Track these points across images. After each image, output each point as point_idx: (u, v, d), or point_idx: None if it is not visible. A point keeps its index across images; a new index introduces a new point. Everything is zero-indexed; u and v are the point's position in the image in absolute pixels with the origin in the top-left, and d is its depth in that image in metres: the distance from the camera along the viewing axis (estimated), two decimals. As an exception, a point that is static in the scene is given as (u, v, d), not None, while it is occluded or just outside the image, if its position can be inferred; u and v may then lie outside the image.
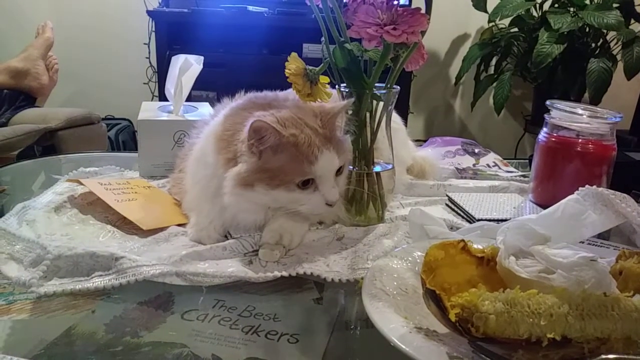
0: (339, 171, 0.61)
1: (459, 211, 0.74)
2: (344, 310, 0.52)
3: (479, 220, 0.68)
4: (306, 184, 0.59)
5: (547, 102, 0.76)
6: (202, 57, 0.88)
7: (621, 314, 0.38)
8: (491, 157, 1.03)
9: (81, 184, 0.72)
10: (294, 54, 0.62)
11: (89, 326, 0.46)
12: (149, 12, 2.37)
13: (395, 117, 0.82)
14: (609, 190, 0.63)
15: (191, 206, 0.67)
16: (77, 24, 2.55)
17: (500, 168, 0.99)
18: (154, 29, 2.42)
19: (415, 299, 0.44)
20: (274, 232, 0.60)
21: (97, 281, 0.51)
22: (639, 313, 0.38)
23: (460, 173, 0.93)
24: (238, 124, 0.61)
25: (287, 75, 0.62)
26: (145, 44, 2.53)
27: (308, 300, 0.53)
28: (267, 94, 0.70)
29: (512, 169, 0.99)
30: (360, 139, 0.65)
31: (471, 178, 0.92)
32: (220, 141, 0.62)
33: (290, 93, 0.65)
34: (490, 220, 0.68)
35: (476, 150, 1.06)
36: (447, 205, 0.77)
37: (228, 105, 0.70)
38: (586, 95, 2.30)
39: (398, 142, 0.76)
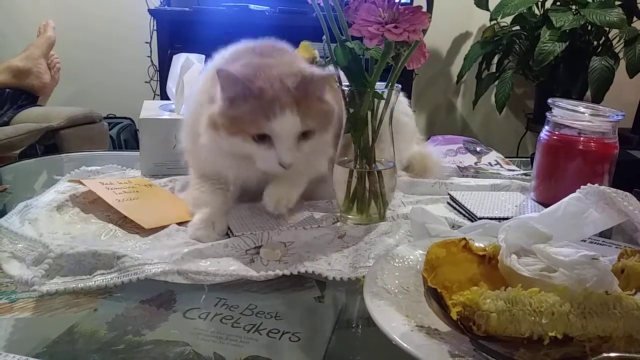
0: (305, 136, 0.62)
1: (460, 209, 0.74)
2: (346, 309, 0.52)
3: (480, 218, 0.68)
4: (262, 138, 0.60)
5: (549, 101, 0.76)
6: (203, 56, 0.88)
7: (623, 313, 0.38)
8: (493, 156, 1.03)
9: (82, 184, 0.72)
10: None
11: (91, 324, 0.46)
12: (150, 11, 2.37)
13: (407, 110, 0.82)
14: (611, 188, 0.62)
15: (196, 203, 0.68)
16: (79, 23, 2.55)
17: (502, 166, 0.98)
18: (155, 28, 2.42)
19: (416, 298, 0.44)
20: (269, 197, 0.64)
21: (99, 279, 0.51)
22: (640, 311, 0.38)
23: (462, 171, 0.93)
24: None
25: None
26: (146, 42, 2.52)
27: (309, 299, 0.53)
28: (263, 45, 0.70)
29: (513, 167, 0.99)
30: (361, 137, 0.65)
31: (473, 176, 0.92)
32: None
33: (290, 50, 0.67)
34: (491, 218, 0.67)
35: (478, 149, 1.06)
36: (448, 203, 0.77)
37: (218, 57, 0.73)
38: (588, 93, 2.29)
39: (403, 137, 0.77)
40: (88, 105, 2.08)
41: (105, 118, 2.13)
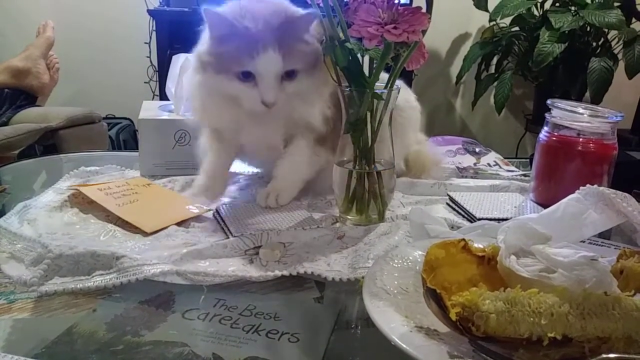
0: (289, 76, 0.63)
1: (459, 210, 0.74)
2: (345, 310, 0.52)
3: (479, 219, 0.68)
4: (246, 76, 0.63)
5: (548, 101, 0.76)
6: (202, 57, 0.88)
7: (622, 314, 0.38)
8: (492, 157, 1.03)
9: (81, 192, 0.71)
10: None
11: (89, 325, 0.46)
12: (149, 11, 2.37)
13: (410, 97, 0.83)
14: (610, 189, 0.62)
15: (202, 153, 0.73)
16: (78, 23, 2.55)
17: (501, 167, 0.98)
18: (154, 28, 2.42)
19: (416, 298, 0.44)
20: (264, 193, 0.69)
21: (98, 280, 0.51)
22: (639, 312, 0.38)
23: (461, 172, 0.93)
24: None
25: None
26: (146, 43, 2.52)
27: (309, 300, 0.53)
28: None
29: (512, 168, 0.99)
30: (360, 138, 0.65)
31: (472, 177, 0.92)
32: None
33: None
34: (491, 219, 0.67)
35: (477, 150, 1.06)
36: (447, 204, 0.77)
37: None
38: (587, 94, 2.30)
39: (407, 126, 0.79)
40: (87, 105, 2.08)
41: (104, 118, 2.13)
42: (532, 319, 0.37)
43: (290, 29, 0.63)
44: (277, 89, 0.63)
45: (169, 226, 0.64)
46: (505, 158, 1.04)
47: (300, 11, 0.64)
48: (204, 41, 0.67)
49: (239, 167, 0.92)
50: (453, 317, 0.37)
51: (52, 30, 2.13)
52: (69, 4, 2.57)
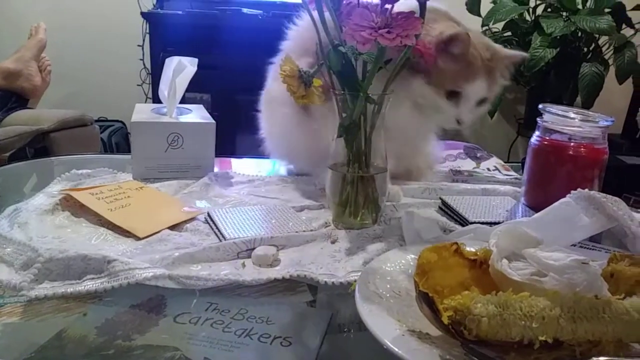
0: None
1: (452, 214, 0.74)
2: (338, 313, 0.51)
3: (472, 223, 0.68)
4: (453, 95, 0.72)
5: (540, 106, 0.76)
6: (196, 60, 0.88)
7: (612, 317, 0.38)
8: (493, 162, 1.03)
9: (72, 197, 0.70)
10: (288, 56, 0.63)
11: (80, 329, 0.46)
12: (143, 14, 2.37)
13: None
14: (601, 193, 0.63)
15: None
16: (71, 25, 2.55)
17: (500, 172, 0.99)
18: (148, 31, 2.42)
19: (408, 302, 0.44)
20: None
21: (89, 284, 0.50)
22: (629, 316, 0.38)
23: (455, 175, 0.93)
24: None
25: (281, 76, 0.62)
26: (139, 45, 2.52)
27: (301, 303, 0.53)
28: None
29: (512, 172, 0.99)
30: (354, 142, 0.65)
31: (464, 181, 0.92)
32: None
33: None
34: (483, 223, 0.68)
35: (478, 155, 1.06)
36: (440, 208, 0.77)
37: None
38: (579, 99, 2.32)
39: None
40: (79, 108, 2.07)
41: (96, 121, 2.13)
42: (523, 322, 0.37)
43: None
44: (474, 112, 0.74)
45: (161, 230, 0.63)
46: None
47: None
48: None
49: (239, 168, 0.92)
50: (445, 320, 0.37)
51: (44, 32, 2.12)
52: (62, 6, 2.56)
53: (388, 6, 0.53)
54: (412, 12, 0.55)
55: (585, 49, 2.41)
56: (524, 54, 0.76)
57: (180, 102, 0.89)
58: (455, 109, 0.72)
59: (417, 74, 0.70)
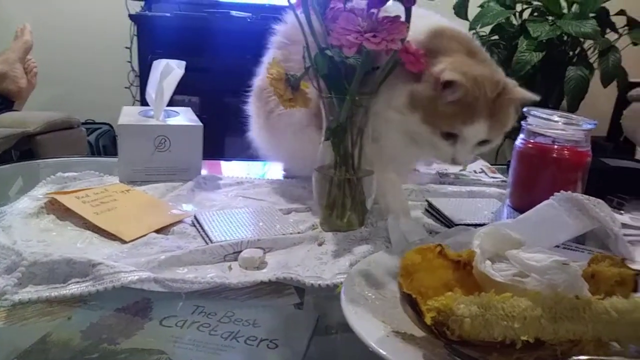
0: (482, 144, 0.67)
1: (438, 216, 0.75)
2: (325, 315, 0.52)
3: (457, 225, 0.69)
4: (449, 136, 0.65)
5: (524, 109, 0.77)
6: (184, 62, 0.88)
7: (592, 317, 0.39)
8: (479, 164, 1.04)
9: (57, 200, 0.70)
10: (275, 59, 0.63)
11: (64, 333, 0.46)
12: (130, 16, 2.36)
13: None
14: (584, 195, 0.64)
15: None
16: (58, 27, 2.52)
17: (486, 174, 1.00)
18: (135, 33, 2.41)
19: (393, 303, 0.45)
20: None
21: (74, 288, 0.50)
22: (609, 315, 0.39)
23: (442, 177, 0.94)
24: None
25: (268, 80, 0.62)
26: (127, 48, 2.51)
27: (288, 306, 0.53)
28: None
29: (498, 175, 1.00)
30: (341, 145, 0.65)
31: (451, 183, 0.93)
32: None
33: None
34: (468, 225, 0.68)
35: (465, 157, 1.06)
36: (426, 210, 0.78)
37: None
38: (564, 102, 2.35)
39: None
40: (66, 110, 2.05)
41: (83, 124, 2.11)
42: (505, 322, 0.37)
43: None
44: (471, 153, 0.67)
45: (148, 233, 0.63)
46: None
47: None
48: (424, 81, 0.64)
49: (228, 171, 0.92)
50: (428, 321, 0.38)
51: (30, 33, 2.10)
52: (49, 8, 2.54)
53: (374, 10, 0.54)
54: (397, 17, 0.55)
55: (571, 53, 2.44)
56: (536, 97, 0.67)
57: (169, 105, 0.89)
58: (451, 149, 0.65)
59: (415, 110, 0.64)
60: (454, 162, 0.66)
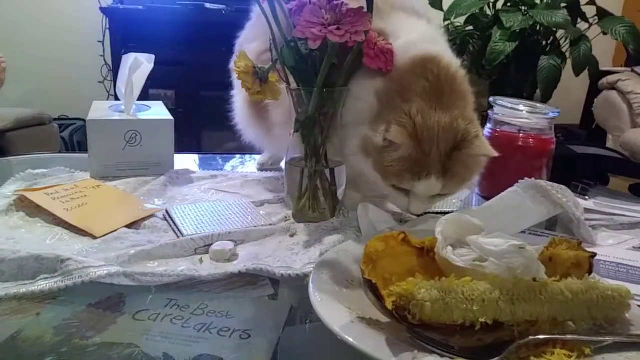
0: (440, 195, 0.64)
1: (408, 205, 0.76)
2: (299, 306, 0.52)
3: (426, 213, 0.70)
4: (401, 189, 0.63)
5: (490, 99, 0.79)
6: (153, 56, 0.87)
7: (548, 298, 0.40)
8: None
9: (27, 198, 0.69)
10: (242, 52, 0.63)
11: (35, 330, 0.45)
12: (102, 10, 2.31)
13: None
14: (547, 182, 0.66)
15: None
16: (27, 21, 2.47)
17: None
18: (108, 27, 2.37)
19: (360, 291, 0.46)
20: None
21: (42, 284, 0.50)
22: (564, 296, 0.41)
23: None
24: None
25: (236, 73, 0.62)
26: (99, 41, 2.46)
27: (263, 297, 0.53)
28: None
29: None
30: (311, 136, 0.66)
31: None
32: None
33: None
34: (437, 213, 0.70)
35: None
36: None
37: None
38: (538, 91, 2.39)
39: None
40: (39, 106, 2.02)
41: (57, 119, 2.07)
42: (465, 305, 0.39)
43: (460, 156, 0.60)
44: (427, 204, 0.63)
45: (119, 229, 0.63)
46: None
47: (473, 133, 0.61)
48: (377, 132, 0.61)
49: (202, 165, 0.92)
50: (389, 306, 0.39)
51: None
52: (16, 1, 2.47)
53: (337, 2, 0.54)
54: (361, 8, 0.56)
55: (544, 43, 2.48)
56: (495, 153, 0.62)
57: (144, 99, 0.88)
58: (405, 199, 0.63)
59: (368, 156, 0.63)
60: (409, 212, 0.65)
